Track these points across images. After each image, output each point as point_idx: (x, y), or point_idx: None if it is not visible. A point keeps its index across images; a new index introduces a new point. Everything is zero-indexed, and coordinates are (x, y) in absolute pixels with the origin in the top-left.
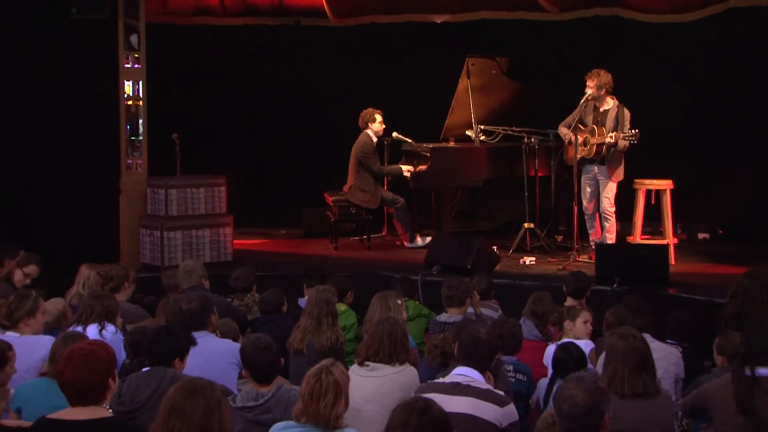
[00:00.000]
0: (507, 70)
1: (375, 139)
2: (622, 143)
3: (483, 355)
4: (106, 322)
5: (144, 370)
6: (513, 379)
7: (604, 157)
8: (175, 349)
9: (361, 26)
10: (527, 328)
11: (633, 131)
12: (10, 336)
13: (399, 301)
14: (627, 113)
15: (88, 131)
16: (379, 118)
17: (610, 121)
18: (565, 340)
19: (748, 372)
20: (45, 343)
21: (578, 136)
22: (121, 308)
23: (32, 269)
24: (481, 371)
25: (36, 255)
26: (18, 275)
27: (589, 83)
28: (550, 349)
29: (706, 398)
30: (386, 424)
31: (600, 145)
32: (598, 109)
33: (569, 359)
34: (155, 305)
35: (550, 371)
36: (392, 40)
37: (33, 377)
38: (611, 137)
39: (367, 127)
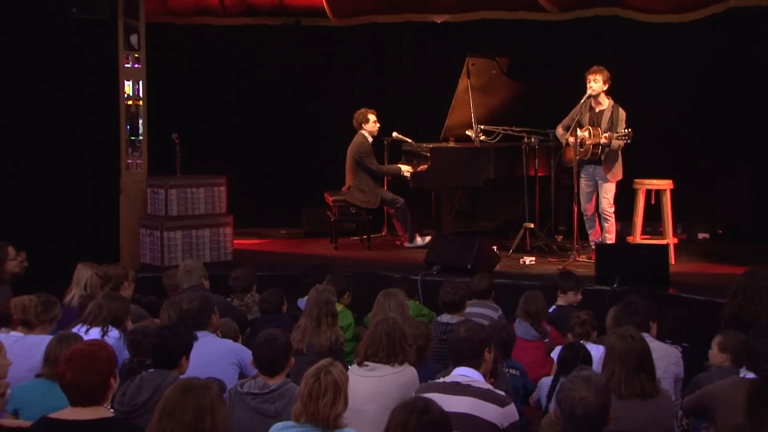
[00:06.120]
0: (507, 70)
1: (370, 139)
2: (616, 143)
3: (470, 352)
4: (110, 327)
5: (149, 371)
6: (507, 374)
7: (601, 158)
8: (181, 347)
9: (361, 26)
10: (523, 328)
11: (626, 130)
12: (13, 335)
13: (404, 301)
14: (622, 113)
15: (88, 131)
16: (372, 118)
17: (605, 121)
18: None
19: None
20: (48, 342)
21: (576, 138)
22: None
23: (22, 254)
24: (476, 368)
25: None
26: (11, 266)
27: (595, 77)
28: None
29: (711, 399)
30: (386, 424)
31: (596, 146)
32: (594, 109)
33: (575, 359)
34: (155, 305)
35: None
36: (392, 40)
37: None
38: (605, 138)
39: (361, 127)
